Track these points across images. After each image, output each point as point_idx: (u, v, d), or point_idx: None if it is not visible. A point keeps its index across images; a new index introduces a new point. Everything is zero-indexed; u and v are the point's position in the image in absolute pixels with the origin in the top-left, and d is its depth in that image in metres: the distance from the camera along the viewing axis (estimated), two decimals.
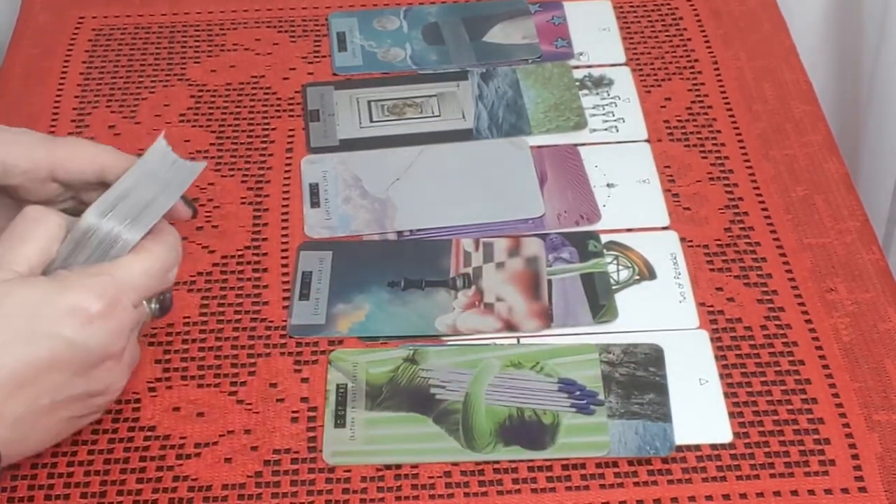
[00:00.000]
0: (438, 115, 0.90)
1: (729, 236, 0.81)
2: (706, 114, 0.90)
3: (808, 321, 0.76)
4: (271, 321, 0.77)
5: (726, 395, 0.72)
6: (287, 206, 0.84)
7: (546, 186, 0.85)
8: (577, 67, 0.94)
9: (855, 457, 0.69)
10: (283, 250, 0.81)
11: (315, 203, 0.84)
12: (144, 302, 0.69)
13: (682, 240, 0.81)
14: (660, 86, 0.93)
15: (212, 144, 0.89)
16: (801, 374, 0.73)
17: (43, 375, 0.63)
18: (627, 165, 0.86)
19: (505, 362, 0.74)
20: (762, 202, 0.83)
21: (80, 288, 0.65)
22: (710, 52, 0.95)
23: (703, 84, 0.93)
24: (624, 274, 0.79)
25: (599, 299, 0.77)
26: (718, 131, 0.89)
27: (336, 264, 0.80)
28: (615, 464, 0.69)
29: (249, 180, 0.86)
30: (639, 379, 0.73)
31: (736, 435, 0.70)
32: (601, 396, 0.72)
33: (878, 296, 0.77)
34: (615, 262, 0.80)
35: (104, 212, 0.68)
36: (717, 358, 0.74)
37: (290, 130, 0.90)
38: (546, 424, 0.71)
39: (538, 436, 0.70)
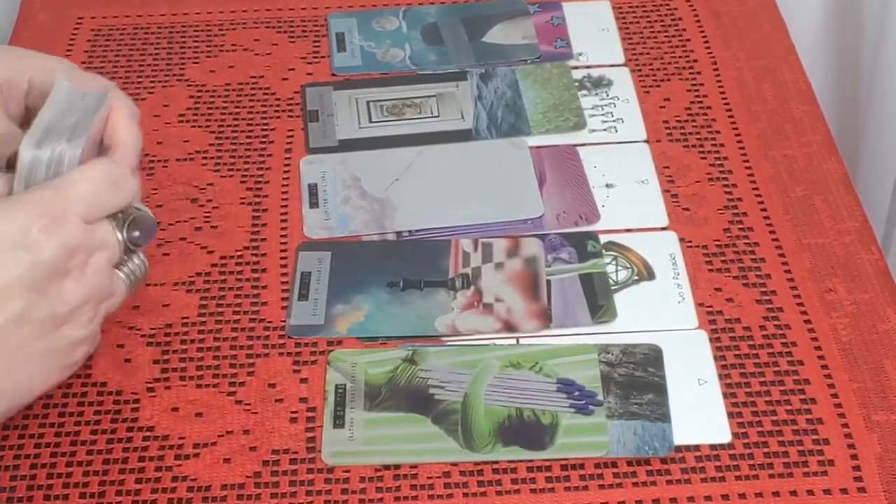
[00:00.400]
0: (437, 116, 0.90)
1: (728, 237, 0.81)
2: (705, 114, 0.90)
3: (808, 321, 0.76)
4: (270, 322, 0.77)
5: (725, 395, 0.72)
6: (286, 206, 0.84)
7: (545, 187, 0.85)
8: (576, 68, 0.94)
9: (854, 457, 0.69)
10: (282, 251, 0.81)
11: (314, 203, 0.84)
12: (111, 223, 0.68)
13: (681, 240, 0.81)
14: (659, 86, 0.93)
15: (211, 145, 0.89)
16: (800, 374, 0.73)
17: None
18: (626, 166, 0.86)
19: (504, 363, 0.74)
20: (761, 202, 0.83)
21: (21, 206, 0.65)
22: (709, 53, 0.95)
23: (702, 84, 0.93)
24: (623, 274, 0.79)
25: (598, 300, 0.77)
26: (717, 132, 0.89)
27: (335, 265, 0.80)
28: (614, 464, 0.69)
29: (248, 181, 0.86)
30: (638, 379, 0.73)
31: (735, 435, 0.70)
32: (600, 397, 0.72)
33: (877, 296, 0.77)
34: (614, 262, 0.80)
35: (39, 142, 0.68)
36: (715, 358, 0.74)
37: (290, 131, 0.90)
38: (545, 425, 0.71)
39: (537, 436, 0.70)
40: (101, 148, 0.72)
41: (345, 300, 0.78)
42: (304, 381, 0.74)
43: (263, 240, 0.82)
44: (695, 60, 0.95)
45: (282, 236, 0.82)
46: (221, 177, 0.86)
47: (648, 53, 0.95)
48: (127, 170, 0.70)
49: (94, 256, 0.67)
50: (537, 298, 0.78)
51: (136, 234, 0.69)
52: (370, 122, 0.90)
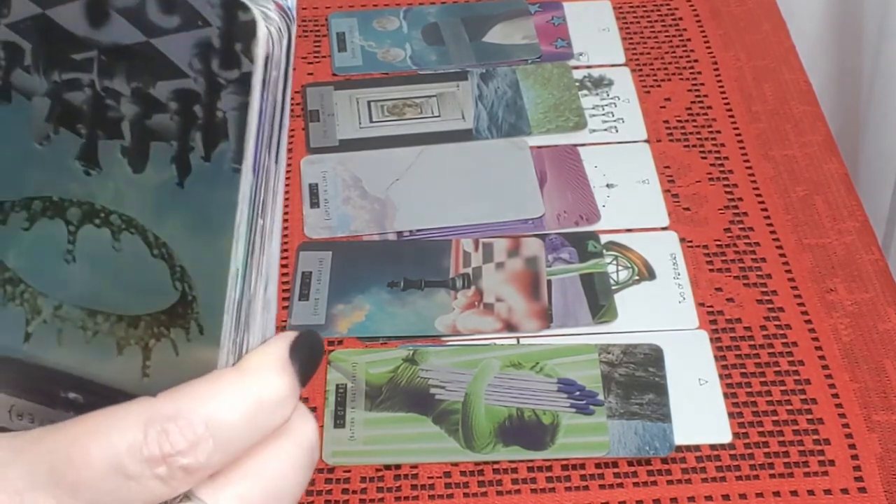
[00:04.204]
0: (438, 116, 0.90)
1: (728, 237, 0.81)
2: (706, 114, 0.90)
3: (808, 321, 0.76)
4: None
5: (726, 395, 0.72)
6: (287, 206, 0.84)
7: (546, 187, 0.85)
8: (576, 68, 0.94)
9: (854, 457, 0.69)
10: (282, 250, 0.81)
11: (315, 203, 0.84)
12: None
13: (682, 240, 0.81)
14: (659, 86, 0.93)
15: None
16: (801, 374, 0.73)
17: None
18: (627, 166, 0.86)
19: (504, 362, 0.74)
20: (762, 202, 0.83)
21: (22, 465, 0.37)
22: (709, 53, 0.95)
23: (702, 84, 0.93)
24: (623, 274, 0.79)
25: (599, 300, 0.77)
26: (718, 131, 0.89)
27: (335, 265, 0.80)
28: (615, 464, 0.69)
29: None
30: (638, 379, 0.73)
31: (735, 435, 0.70)
32: (601, 397, 0.72)
33: (878, 296, 0.77)
34: (615, 262, 0.80)
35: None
36: (716, 358, 0.74)
37: (290, 131, 0.90)
38: (546, 425, 0.71)
39: (538, 436, 0.70)
40: None
41: (345, 300, 0.78)
42: None
43: None
44: (695, 60, 0.95)
45: (283, 236, 0.82)
46: None
47: (649, 53, 0.95)
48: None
49: None
50: (538, 298, 0.78)
51: None
52: (371, 121, 0.90)
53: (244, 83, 0.37)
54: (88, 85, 0.37)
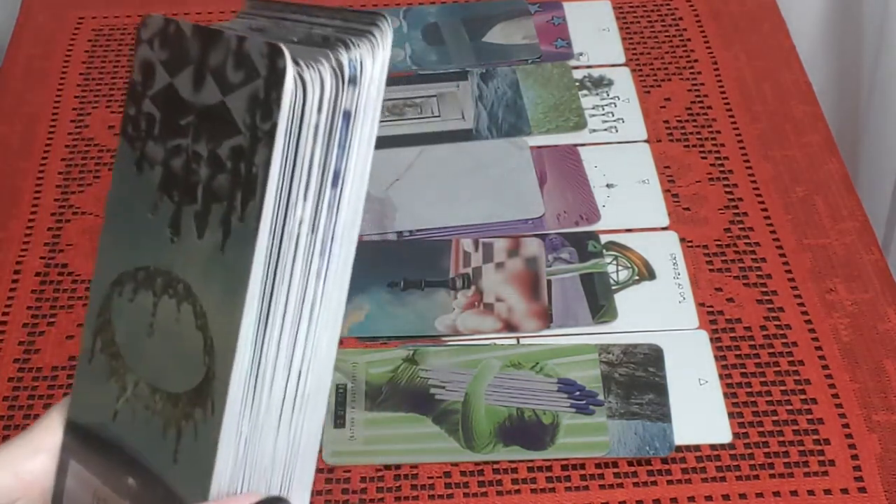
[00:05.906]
0: (438, 116, 0.90)
1: (729, 237, 0.81)
2: (706, 114, 0.90)
3: (808, 321, 0.76)
4: None
5: (726, 395, 0.72)
6: None
7: (546, 187, 0.85)
8: (576, 68, 0.94)
9: (854, 457, 0.69)
10: None
11: None
12: None
13: (682, 240, 0.81)
14: (659, 86, 0.93)
15: None
16: (801, 374, 0.73)
17: None
18: (627, 166, 0.86)
19: (504, 362, 0.74)
20: (762, 202, 0.83)
21: None
22: (709, 53, 0.95)
23: (702, 84, 0.93)
24: (623, 274, 0.79)
25: (599, 300, 0.77)
26: (718, 132, 0.89)
27: None
28: (615, 464, 0.69)
29: None
30: (638, 379, 0.73)
31: (735, 435, 0.70)
32: (601, 397, 0.72)
33: (878, 296, 0.77)
34: (615, 262, 0.80)
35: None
36: (716, 358, 0.74)
37: None
38: (546, 424, 0.71)
39: (538, 436, 0.70)
40: None
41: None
42: None
43: None
44: (695, 60, 0.95)
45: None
46: None
47: (649, 53, 0.95)
48: None
49: None
50: (538, 298, 0.78)
51: None
52: None
53: (272, 135, 0.35)
54: (185, 150, 0.36)
